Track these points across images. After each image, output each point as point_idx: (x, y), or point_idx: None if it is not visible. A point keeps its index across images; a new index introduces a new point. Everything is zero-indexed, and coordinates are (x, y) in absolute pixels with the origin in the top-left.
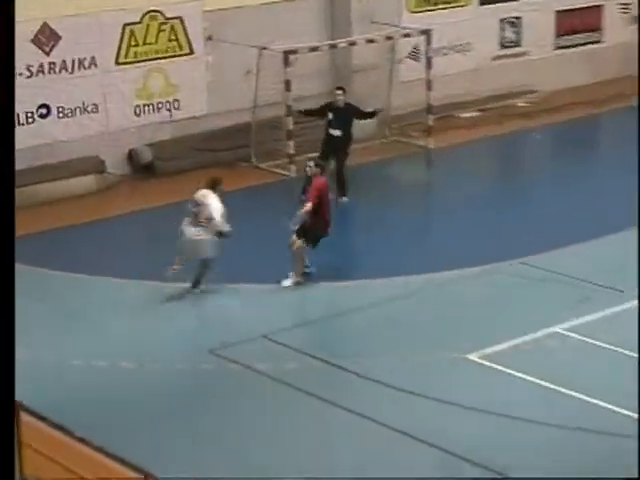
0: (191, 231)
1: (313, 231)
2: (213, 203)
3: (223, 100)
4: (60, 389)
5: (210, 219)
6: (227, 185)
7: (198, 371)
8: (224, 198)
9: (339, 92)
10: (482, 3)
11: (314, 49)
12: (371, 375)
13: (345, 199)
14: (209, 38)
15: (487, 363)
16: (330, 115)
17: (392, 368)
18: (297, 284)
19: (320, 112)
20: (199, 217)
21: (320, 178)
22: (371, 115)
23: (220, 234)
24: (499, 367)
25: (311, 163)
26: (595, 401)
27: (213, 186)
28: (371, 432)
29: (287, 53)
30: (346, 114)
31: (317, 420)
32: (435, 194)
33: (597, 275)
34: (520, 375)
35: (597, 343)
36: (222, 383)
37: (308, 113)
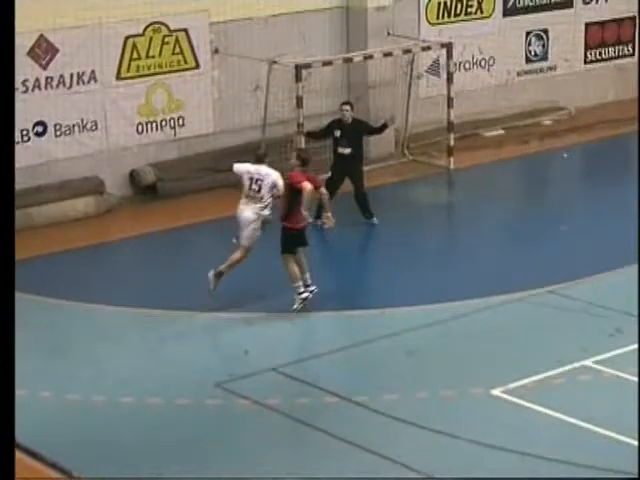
0: (249, 215)
1: (287, 236)
2: (272, 172)
3: (231, 117)
4: (55, 425)
5: (274, 188)
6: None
7: (203, 406)
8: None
9: (346, 107)
10: (506, 14)
11: (327, 63)
12: (389, 411)
13: (375, 220)
14: (216, 51)
15: (512, 399)
16: (338, 133)
17: (411, 404)
18: (304, 301)
19: (326, 132)
20: (259, 192)
21: (299, 172)
22: (381, 129)
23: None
24: (525, 403)
25: (294, 154)
26: (628, 440)
27: (262, 160)
28: (388, 472)
29: (299, 67)
30: (355, 130)
31: (332, 459)
32: (457, 218)
33: (629, 305)
34: (547, 411)
35: (631, 378)
36: (229, 419)
37: (313, 136)
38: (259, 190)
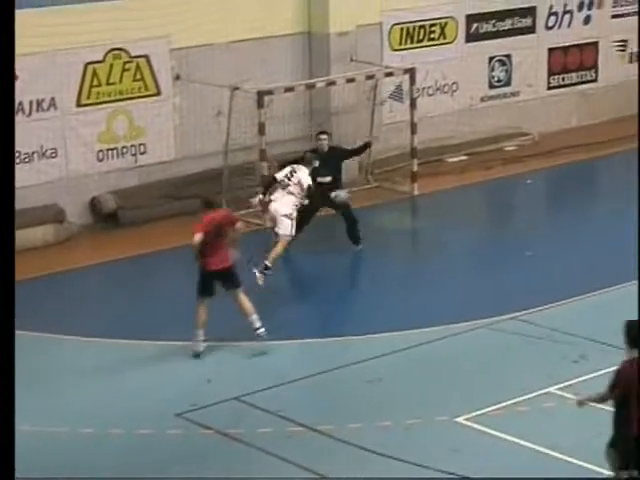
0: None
1: (202, 277)
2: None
3: (192, 144)
4: (16, 456)
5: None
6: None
7: (164, 437)
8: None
9: (323, 137)
10: (469, 40)
11: (290, 89)
12: (353, 440)
13: (360, 247)
14: (177, 78)
15: (477, 426)
16: (316, 163)
17: (375, 432)
18: (259, 330)
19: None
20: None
21: (210, 212)
22: (362, 149)
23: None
24: (490, 430)
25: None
26: (592, 467)
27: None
28: None
29: (261, 94)
30: (333, 158)
31: None
32: (420, 244)
33: (594, 332)
34: (512, 439)
35: (596, 405)
36: (191, 449)
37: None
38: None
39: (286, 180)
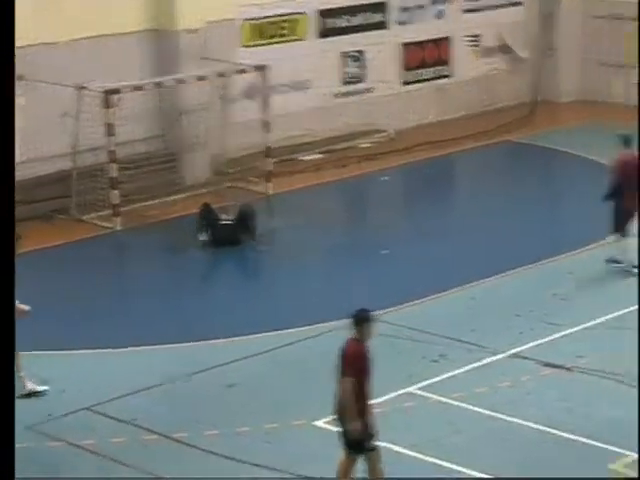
0: None
1: None
2: None
3: (38, 146)
4: None
5: None
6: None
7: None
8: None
9: None
10: (321, 36)
11: (138, 88)
12: (209, 447)
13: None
14: (20, 78)
15: (336, 429)
16: None
17: (232, 438)
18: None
19: None
20: None
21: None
22: None
23: None
24: None
25: None
26: (450, 465)
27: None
28: None
29: (108, 93)
30: None
31: None
32: (277, 244)
33: (452, 330)
34: None
35: (455, 403)
36: (41, 462)
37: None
38: None
39: None
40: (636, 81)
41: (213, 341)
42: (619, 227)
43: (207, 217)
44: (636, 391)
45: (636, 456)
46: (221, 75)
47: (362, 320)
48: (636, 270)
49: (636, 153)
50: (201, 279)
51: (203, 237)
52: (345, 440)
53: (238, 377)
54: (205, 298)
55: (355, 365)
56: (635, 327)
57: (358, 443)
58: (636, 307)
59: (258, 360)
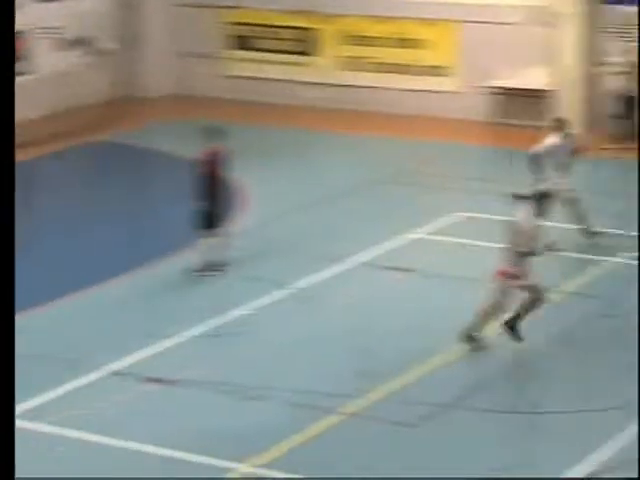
0: None
1: None
2: None
3: None
4: None
5: None
6: None
7: None
8: None
9: None
10: None
11: None
12: None
13: None
14: None
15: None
16: None
17: None
18: None
19: None
20: None
21: None
22: None
23: None
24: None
25: None
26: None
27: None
28: None
29: None
30: None
31: None
32: None
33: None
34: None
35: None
36: None
37: None
38: None
39: None
40: (224, 73)
41: None
42: (209, 226)
43: None
44: (240, 400)
45: (247, 469)
46: None
47: None
48: (222, 269)
49: (221, 147)
50: None
51: None
52: None
53: None
54: None
55: None
56: (235, 332)
57: None
58: (235, 312)
59: None
